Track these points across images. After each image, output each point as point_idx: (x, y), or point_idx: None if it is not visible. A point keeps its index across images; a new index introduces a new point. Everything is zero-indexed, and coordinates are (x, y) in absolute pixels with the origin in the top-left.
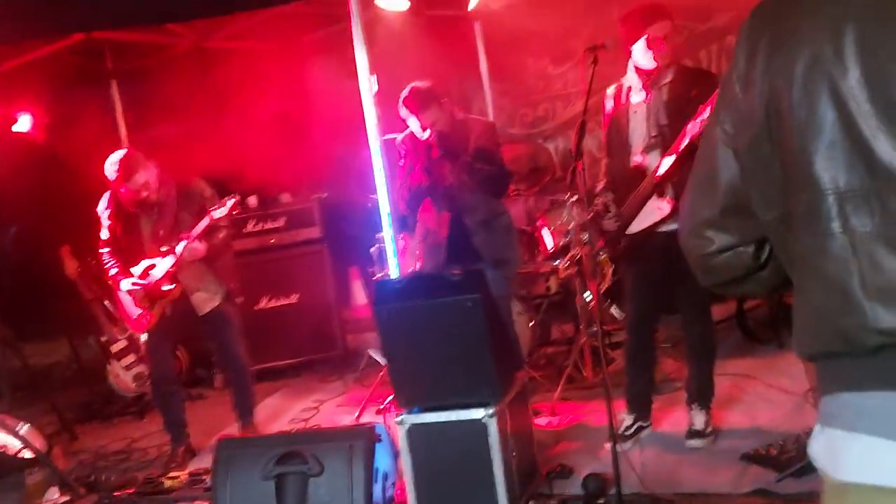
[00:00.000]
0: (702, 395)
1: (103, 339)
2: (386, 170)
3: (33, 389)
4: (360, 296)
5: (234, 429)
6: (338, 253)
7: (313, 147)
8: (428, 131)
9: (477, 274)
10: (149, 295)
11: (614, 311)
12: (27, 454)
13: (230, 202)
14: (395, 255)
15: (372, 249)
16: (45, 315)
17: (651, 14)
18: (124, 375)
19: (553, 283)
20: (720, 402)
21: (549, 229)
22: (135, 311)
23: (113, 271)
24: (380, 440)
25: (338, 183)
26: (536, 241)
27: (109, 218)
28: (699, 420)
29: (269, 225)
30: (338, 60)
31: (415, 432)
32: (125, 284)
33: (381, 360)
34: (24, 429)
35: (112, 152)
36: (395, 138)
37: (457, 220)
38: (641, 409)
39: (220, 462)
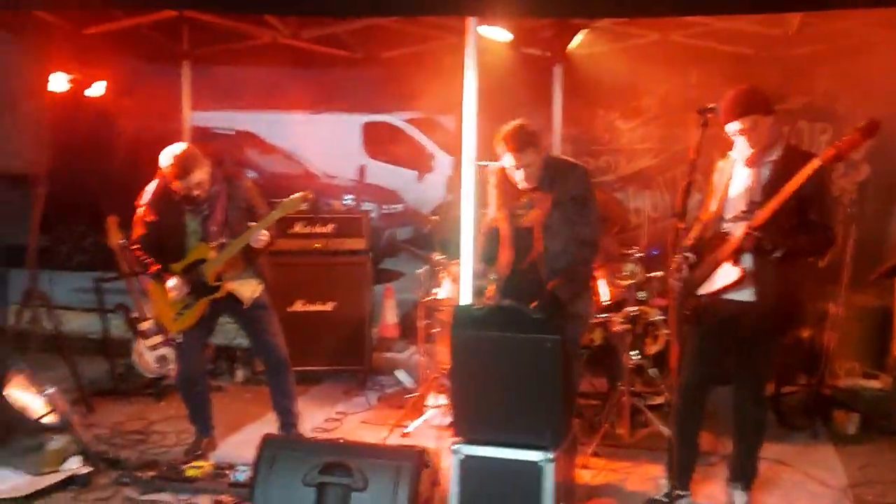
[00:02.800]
0: (746, 475)
1: (134, 314)
2: (474, 196)
3: (57, 354)
4: (391, 315)
5: (253, 426)
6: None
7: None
8: (522, 173)
9: (559, 316)
10: (194, 293)
11: (652, 372)
12: (49, 419)
13: (301, 197)
14: (469, 281)
15: (419, 271)
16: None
17: (736, 108)
18: (148, 355)
19: (598, 336)
20: (758, 485)
21: (606, 281)
22: (172, 310)
23: (154, 268)
24: (428, 466)
25: None
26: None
27: (153, 213)
28: (740, 500)
29: (318, 229)
30: (415, 79)
31: (468, 463)
32: (171, 282)
33: (408, 383)
34: (51, 391)
35: (173, 131)
36: (485, 165)
37: (535, 262)
38: (682, 478)
39: (263, 460)
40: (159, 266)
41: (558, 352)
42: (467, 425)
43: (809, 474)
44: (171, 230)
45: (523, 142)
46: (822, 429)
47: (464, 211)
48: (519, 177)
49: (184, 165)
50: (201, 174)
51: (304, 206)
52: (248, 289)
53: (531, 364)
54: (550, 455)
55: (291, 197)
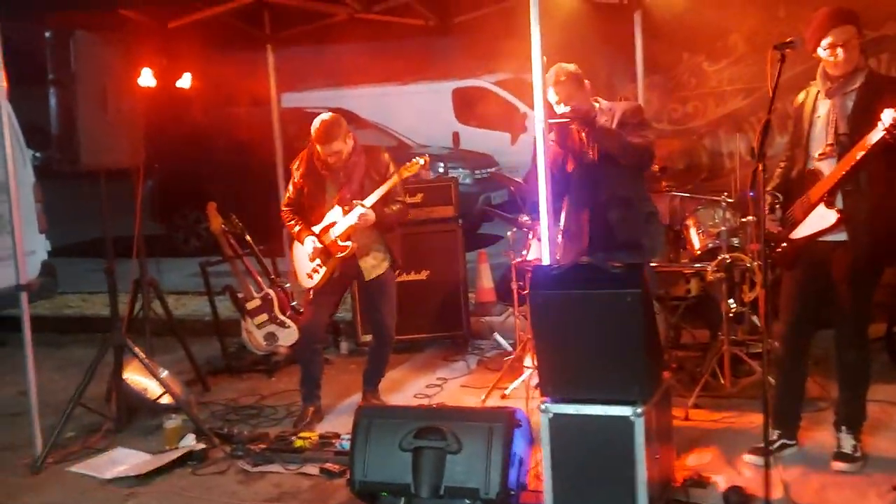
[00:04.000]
0: (852, 419)
1: (240, 295)
2: (546, 155)
3: (172, 337)
4: (486, 279)
5: (358, 396)
6: (469, 234)
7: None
8: (562, 106)
9: (637, 269)
10: (325, 252)
11: (755, 319)
12: (167, 400)
13: (420, 161)
14: (548, 242)
15: (509, 234)
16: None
17: (832, 18)
18: (256, 333)
19: (694, 286)
20: (869, 428)
21: (697, 230)
22: (307, 268)
23: (296, 228)
24: (520, 426)
25: None
26: (683, 241)
27: (300, 178)
28: (848, 444)
29: (407, 199)
30: (499, 40)
31: (558, 422)
32: (308, 242)
33: (507, 345)
34: (164, 374)
35: (264, 115)
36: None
37: (596, 204)
38: (788, 426)
39: (360, 427)
40: (302, 227)
41: (639, 305)
42: (554, 384)
43: None
44: (313, 195)
45: (562, 77)
46: None
47: (540, 170)
48: (560, 111)
49: (327, 132)
50: (341, 143)
51: (415, 170)
52: (371, 262)
53: (612, 319)
54: (640, 409)
55: (408, 164)
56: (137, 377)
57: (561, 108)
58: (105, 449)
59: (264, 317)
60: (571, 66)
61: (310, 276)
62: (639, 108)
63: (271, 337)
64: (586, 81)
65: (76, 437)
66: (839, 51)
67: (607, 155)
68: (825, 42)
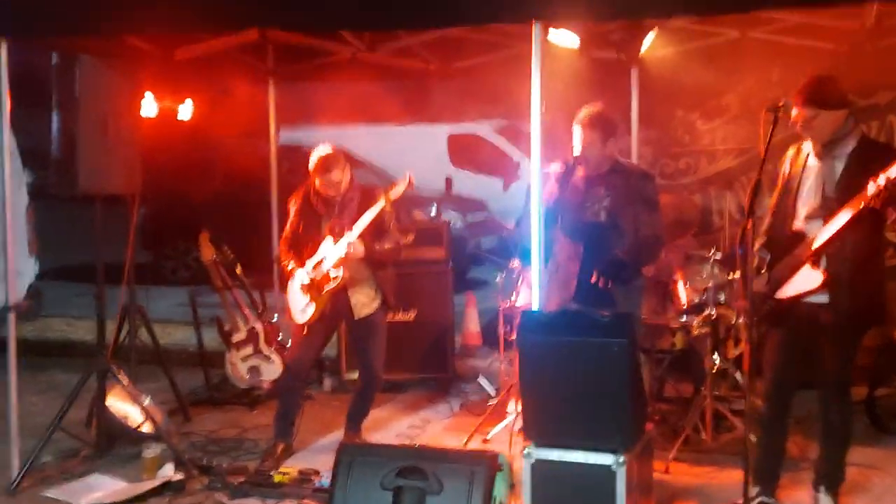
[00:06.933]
0: (831, 479)
1: (227, 327)
2: (542, 201)
3: (156, 365)
4: (473, 322)
5: (340, 433)
6: (458, 277)
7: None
8: (579, 148)
9: (625, 318)
10: (315, 286)
11: (738, 376)
12: (147, 428)
13: (404, 183)
14: (539, 286)
15: (498, 279)
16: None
17: (796, 98)
18: (240, 366)
19: (679, 340)
20: (847, 490)
21: (685, 284)
22: (301, 303)
23: (290, 266)
24: (501, 470)
25: None
26: (670, 295)
27: (295, 214)
28: None
29: (404, 240)
30: (497, 88)
31: (539, 468)
32: (299, 278)
33: (491, 389)
34: (147, 402)
35: (262, 149)
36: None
37: (591, 257)
38: (767, 483)
39: (341, 465)
40: (294, 264)
41: (626, 354)
42: (537, 429)
43: None
44: (308, 232)
45: (594, 121)
46: None
47: (533, 216)
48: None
49: (326, 163)
50: (340, 174)
51: (400, 191)
52: (362, 298)
53: (599, 367)
54: (622, 458)
55: (392, 186)
56: (119, 404)
57: (576, 149)
58: (82, 475)
59: (249, 350)
60: (609, 115)
61: (302, 312)
62: (654, 185)
63: (255, 370)
64: (615, 135)
65: (54, 461)
66: (799, 126)
67: (617, 219)
68: (794, 116)
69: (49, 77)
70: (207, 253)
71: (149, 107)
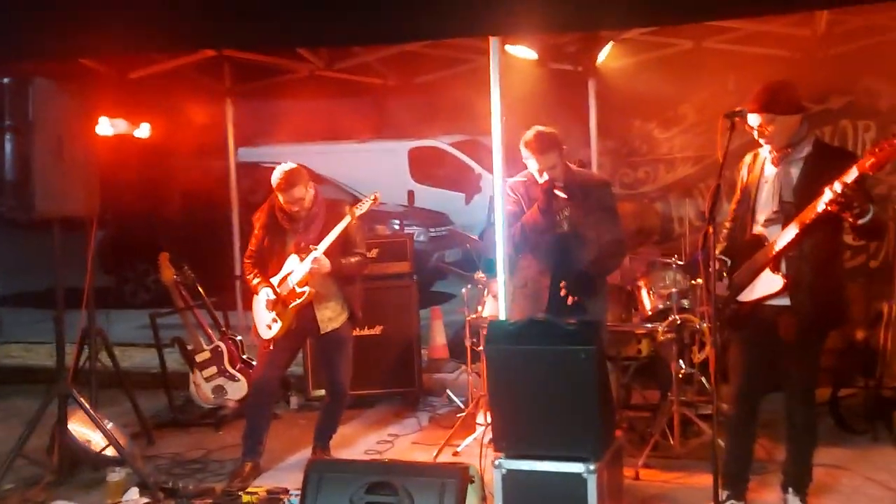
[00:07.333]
0: (799, 481)
1: (189, 347)
2: (505, 213)
3: (118, 389)
4: (439, 336)
5: (307, 451)
6: (423, 291)
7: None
8: (546, 175)
9: (592, 326)
10: (282, 302)
11: (704, 381)
12: (110, 452)
13: (370, 198)
14: (505, 298)
15: (463, 291)
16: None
17: (750, 104)
18: (205, 386)
19: (645, 347)
20: (815, 491)
21: (648, 291)
22: (266, 319)
23: (255, 281)
24: (472, 482)
25: None
26: (635, 302)
27: (260, 230)
28: None
29: (369, 254)
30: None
31: (510, 478)
32: (264, 293)
33: (459, 402)
34: (109, 426)
35: (221, 167)
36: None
37: (559, 269)
38: (737, 487)
39: (310, 482)
40: (260, 280)
41: (593, 362)
42: (507, 440)
43: (870, 478)
44: (273, 247)
45: (546, 144)
46: (883, 432)
47: (497, 228)
48: (543, 179)
49: (289, 179)
50: (302, 189)
51: (365, 208)
52: (328, 314)
53: (566, 376)
54: (592, 466)
55: (358, 203)
56: (81, 428)
57: (543, 177)
58: (45, 502)
59: (213, 370)
60: (551, 132)
61: (268, 328)
62: (611, 191)
63: (220, 390)
64: (564, 147)
65: (15, 489)
66: (755, 133)
67: (580, 229)
68: (749, 122)
69: (2, 100)
70: (168, 274)
71: (105, 128)
